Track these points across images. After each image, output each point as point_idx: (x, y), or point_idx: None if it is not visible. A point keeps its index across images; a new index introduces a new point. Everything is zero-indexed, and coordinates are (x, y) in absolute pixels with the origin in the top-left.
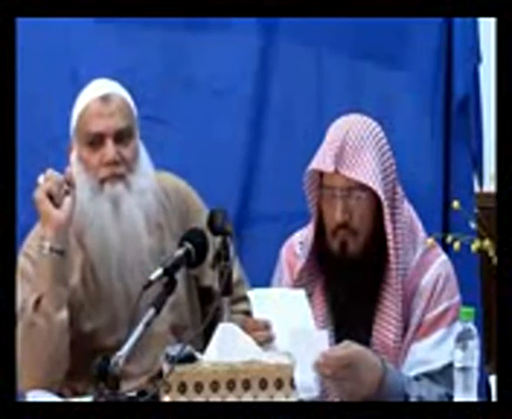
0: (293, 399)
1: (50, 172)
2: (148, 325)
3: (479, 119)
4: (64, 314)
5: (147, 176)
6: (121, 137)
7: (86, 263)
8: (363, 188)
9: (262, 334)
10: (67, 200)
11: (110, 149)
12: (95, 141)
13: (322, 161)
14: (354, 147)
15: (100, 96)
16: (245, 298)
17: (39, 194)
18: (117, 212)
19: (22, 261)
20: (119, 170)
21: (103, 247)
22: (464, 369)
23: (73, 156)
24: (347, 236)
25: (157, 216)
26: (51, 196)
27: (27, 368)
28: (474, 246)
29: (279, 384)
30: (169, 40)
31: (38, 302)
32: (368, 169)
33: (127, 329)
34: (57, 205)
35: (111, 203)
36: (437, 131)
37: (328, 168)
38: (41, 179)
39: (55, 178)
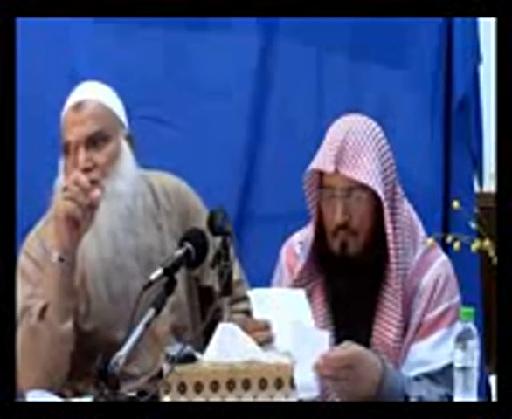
0: (292, 399)
1: (76, 190)
2: (147, 325)
3: (479, 119)
4: (69, 325)
5: (125, 179)
6: (94, 142)
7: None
8: (363, 188)
9: (262, 334)
10: (85, 224)
11: (80, 156)
12: (70, 150)
13: (323, 161)
14: (354, 148)
15: (72, 104)
16: (245, 298)
17: (60, 213)
18: (92, 220)
19: (22, 260)
20: (91, 176)
21: (83, 257)
22: (464, 369)
23: (60, 164)
24: (347, 237)
25: (145, 217)
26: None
27: (27, 370)
28: (474, 246)
29: (279, 384)
30: (168, 40)
31: (43, 310)
32: (368, 169)
33: (126, 329)
34: (75, 224)
35: None
36: (437, 131)
37: (329, 168)
38: (66, 182)
39: (81, 199)
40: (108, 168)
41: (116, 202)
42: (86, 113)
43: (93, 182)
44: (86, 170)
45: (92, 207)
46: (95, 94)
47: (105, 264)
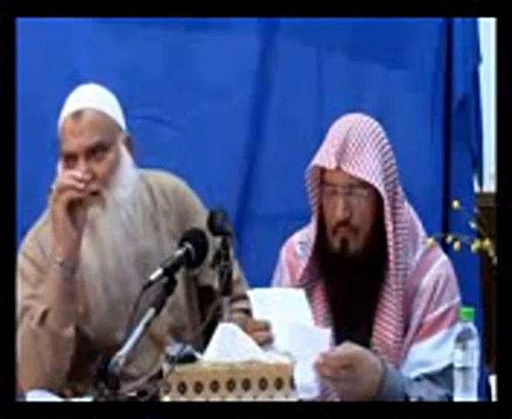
0: (292, 399)
1: (65, 185)
2: (147, 325)
3: (479, 119)
4: (70, 330)
5: (125, 186)
6: (93, 153)
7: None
8: (365, 185)
9: (262, 335)
10: (81, 214)
11: (80, 168)
12: (69, 160)
13: (325, 157)
14: (356, 145)
15: (71, 113)
16: (244, 297)
17: (58, 210)
18: (93, 231)
19: (20, 261)
20: (91, 188)
21: (82, 266)
22: (464, 369)
23: (59, 168)
24: (347, 234)
25: (143, 220)
26: (68, 208)
27: (27, 371)
28: (474, 246)
29: (279, 384)
30: (168, 40)
31: (44, 315)
32: (370, 167)
33: (126, 330)
34: (72, 218)
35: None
36: (437, 131)
37: (331, 164)
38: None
39: (72, 190)
40: (109, 177)
41: (117, 211)
42: (84, 123)
43: (94, 193)
44: (86, 183)
45: (86, 193)
46: (93, 101)
47: (105, 272)
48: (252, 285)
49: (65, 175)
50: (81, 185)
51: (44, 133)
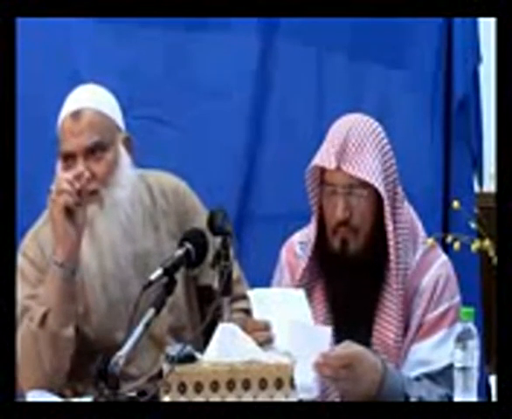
0: (292, 399)
1: (62, 189)
2: (147, 325)
3: (479, 119)
4: (70, 331)
5: (124, 186)
6: (92, 153)
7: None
8: (365, 185)
9: (262, 335)
10: (81, 215)
11: (79, 168)
12: (68, 159)
13: (325, 157)
14: (356, 145)
15: (70, 113)
16: (244, 297)
17: (56, 212)
18: (91, 231)
19: (20, 261)
20: (90, 187)
21: (82, 266)
22: (464, 369)
23: (58, 168)
24: (347, 234)
25: (143, 220)
26: (66, 210)
27: (27, 371)
28: (474, 246)
29: (279, 384)
30: (168, 40)
31: (44, 316)
32: (370, 167)
33: (126, 331)
34: (71, 215)
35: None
36: (437, 131)
37: (331, 164)
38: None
39: (68, 194)
40: (107, 177)
41: (115, 211)
42: (83, 123)
43: (93, 193)
44: (85, 182)
45: (84, 194)
46: (92, 101)
47: (103, 272)
48: (252, 285)
49: (63, 178)
50: (78, 198)
51: (45, 133)
